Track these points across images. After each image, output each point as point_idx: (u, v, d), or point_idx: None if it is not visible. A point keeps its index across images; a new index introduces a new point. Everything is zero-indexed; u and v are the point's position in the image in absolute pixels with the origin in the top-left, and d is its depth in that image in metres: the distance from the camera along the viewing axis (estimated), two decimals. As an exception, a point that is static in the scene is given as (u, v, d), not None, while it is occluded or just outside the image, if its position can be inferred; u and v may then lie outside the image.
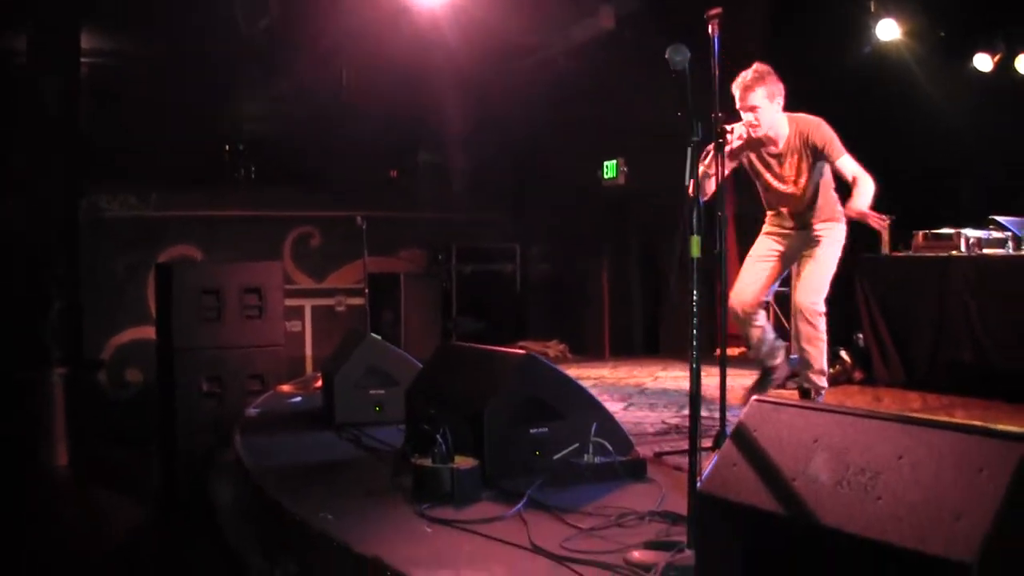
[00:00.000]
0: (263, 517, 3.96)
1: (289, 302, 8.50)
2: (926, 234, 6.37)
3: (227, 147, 10.06)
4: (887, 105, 7.69)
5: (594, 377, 7.19)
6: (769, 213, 5.41)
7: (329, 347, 7.37)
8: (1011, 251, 6.10)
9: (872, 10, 7.86)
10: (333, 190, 9.82)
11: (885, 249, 6.54)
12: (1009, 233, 6.16)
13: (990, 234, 6.18)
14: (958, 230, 6.18)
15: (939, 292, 5.95)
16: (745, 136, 5.00)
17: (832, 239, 5.17)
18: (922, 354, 6.07)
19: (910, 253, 6.43)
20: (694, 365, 2.89)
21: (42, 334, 8.46)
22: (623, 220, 9.59)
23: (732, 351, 7.82)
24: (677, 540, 2.79)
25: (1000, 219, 6.25)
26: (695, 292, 2.93)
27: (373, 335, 5.57)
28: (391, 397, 5.13)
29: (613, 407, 5.18)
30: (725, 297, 4.86)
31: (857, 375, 6.39)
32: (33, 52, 8.70)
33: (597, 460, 3.76)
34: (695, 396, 2.87)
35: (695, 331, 2.93)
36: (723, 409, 3.94)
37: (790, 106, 5.07)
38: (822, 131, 4.99)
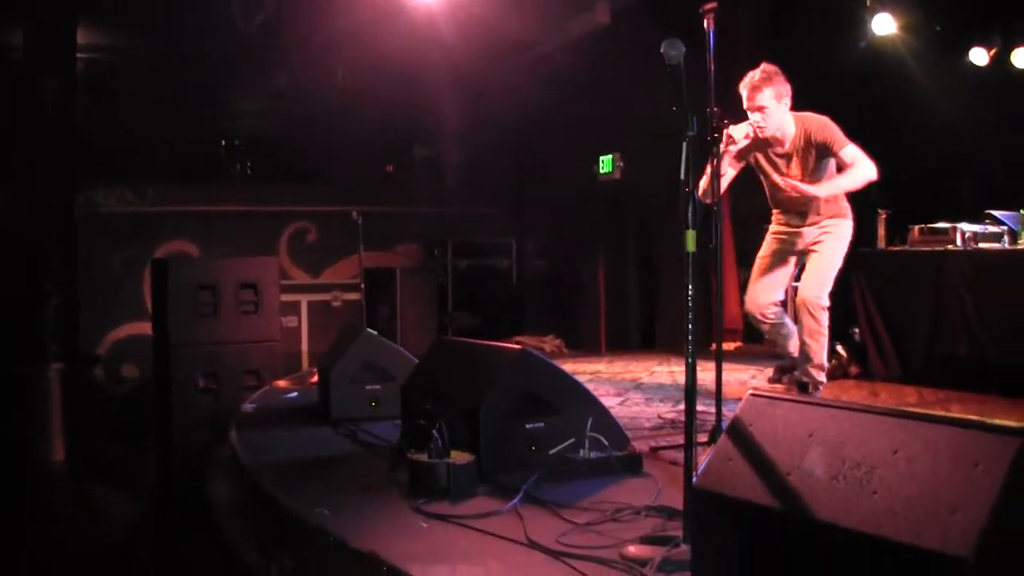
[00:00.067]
0: (259, 512, 3.96)
1: (285, 297, 8.50)
2: (922, 228, 6.36)
3: (223, 143, 10.08)
4: (883, 101, 7.68)
5: (590, 372, 7.19)
6: (776, 211, 5.41)
7: (325, 342, 7.36)
8: (1007, 245, 6.09)
9: (868, 4, 7.85)
10: (329, 185, 9.82)
11: (881, 243, 6.55)
12: (1005, 227, 6.16)
13: (986, 228, 6.17)
14: (954, 224, 6.16)
15: (935, 286, 5.95)
16: (752, 136, 4.99)
17: (838, 234, 5.19)
18: (918, 348, 6.07)
19: (906, 247, 6.42)
20: (690, 360, 2.89)
21: (38, 330, 8.46)
22: (619, 215, 9.58)
23: (728, 345, 7.86)
24: (673, 535, 2.79)
25: (996, 213, 6.25)
26: (690, 287, 2.93)
27: (369, 330, 5.56)
28: (387, 392, 5.11)
29: (609, 402, 5.18)
30: (721, 292, 4.86)
31: (853, 369, 6.39)
32: (30, 48, 8.68)
33: (593, 455, 3.76)
34: (691, 390, 2.88)
35: (691, 326, 2.93)
36: (719, 403, 3.95)
37: (789, 103, 5.07)
38: (828, 130, 4.99)
